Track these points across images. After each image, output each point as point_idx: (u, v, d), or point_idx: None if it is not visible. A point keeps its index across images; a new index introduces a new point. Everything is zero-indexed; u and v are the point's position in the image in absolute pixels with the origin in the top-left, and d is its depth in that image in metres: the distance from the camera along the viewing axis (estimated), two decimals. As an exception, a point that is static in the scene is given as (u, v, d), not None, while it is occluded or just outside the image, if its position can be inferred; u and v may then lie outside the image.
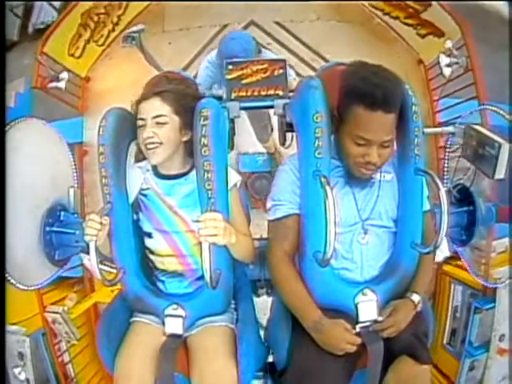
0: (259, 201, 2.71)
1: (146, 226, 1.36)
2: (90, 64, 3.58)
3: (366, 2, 3.48)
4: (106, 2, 3.42)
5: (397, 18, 3.50)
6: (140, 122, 1.30)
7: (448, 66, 2.55)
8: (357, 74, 1.16)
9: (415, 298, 1.26)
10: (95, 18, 3.54)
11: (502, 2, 3.03)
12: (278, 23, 3.34)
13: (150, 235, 1.36)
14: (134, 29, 2.46)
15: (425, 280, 1.33)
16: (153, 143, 1.27)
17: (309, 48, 3.26)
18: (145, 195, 1.35)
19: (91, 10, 3.45)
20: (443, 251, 2.13)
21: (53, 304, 2.31)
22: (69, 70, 3.20)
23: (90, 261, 1.15)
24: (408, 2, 3.30)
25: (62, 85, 2.93)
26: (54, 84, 2.90)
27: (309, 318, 1.23)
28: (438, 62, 2.59)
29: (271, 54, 2.32)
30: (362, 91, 1.12)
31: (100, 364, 2.52)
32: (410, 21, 3.43)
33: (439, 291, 2.56)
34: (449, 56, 2.54)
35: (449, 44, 2.56)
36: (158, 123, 1.27)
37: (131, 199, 1.34)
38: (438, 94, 2.84)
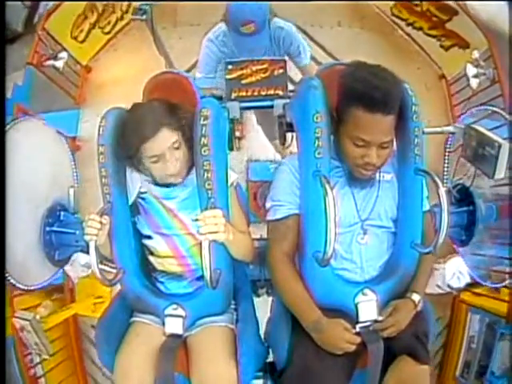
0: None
1: (145, 229, 1.35)
2: (92, 52, 3.40)
3: (388, 12, 3.40)
4: None
5: (420, 28, 3.43)
6: (153, 160, 1.22)
7: (475, 76, 2.49)
8: (355, 75, 1.16)
9: (415, 297, 1.25)
10: (104, 1, 3.36)
11: (502, 2, 3.01)
12: (298, 27, 3.28)
13: (149, 237, 1.36)
14: (147, 2, 2.33)
15: (425, 279, 1.33)
16: (174, 174, 1.25)
17: (328, 54, 3.17)
18: (143, 198, 1.35)
19: None
20: (464, 276, 2.12)
21: (25, 310, 2.05)
22: (70, 54, 3.03)
23: (90, 260, 1.15)
24: (432, 10, 3.23)
25: (59, 64, 2.75)
26: (51, 62, 2.73)
27: (308, 318, 1.22)
28: (465, 74, 2.49)
29: (280, 22, 1.95)
30: (361, 93, 1.11)
31: (78, 381, 2.43)
32: (434, 32, 3.36)
33: (455, 320, 2.48)
34: (476, 67, 2.49)
35: (476, 54, 2.51)
36: (175, 148, 1.23)
37: (130, 202, 1.33)
38: (460, 110, 2.78)
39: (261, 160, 2.76)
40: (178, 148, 1.24)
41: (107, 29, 3.50)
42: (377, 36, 3.34)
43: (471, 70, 2.47)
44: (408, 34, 3.44)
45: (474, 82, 2.51)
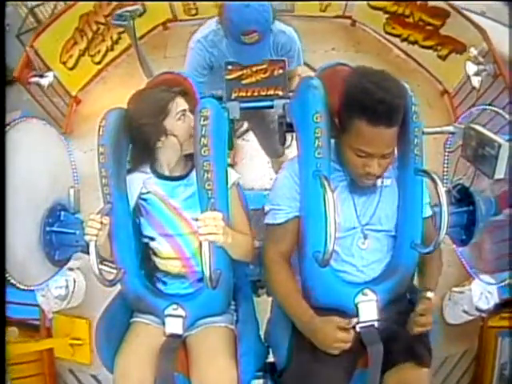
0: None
1: (148, 231, 1.35)
2: (82, 82, 3.41)
3: (381, 30, 3.43)
4: (107, 12, 3.27)
5: (415, 42, 3.43)
6: (179, 115, 1.30)
7: (476, 74, 2.45)
8: (359, 85, 1.12)
9: (430, 294, 1.24)
10: (94, 27, 3.39)
11: (501, 3, 3.02)
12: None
13: (152, 239, 1.35)
14: (129, 8, 2.18)
15: (437, 275, 1.33)
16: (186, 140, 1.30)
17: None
18: (145, 199, 1.34)
19: (91, 15, 3.32)
20: (493, 296, 2.01)
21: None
22: (59, 81, 3.07)
23: (91, 261, 1.15)
24: (425, 18, 3.24)
25: (44, 82, 2.75)
26: (36, 79, 2.74)
27: (301, 319, 1.22)
28: (466, 74, 2.47)
29: (281, 25, 1.83)
30: (364, 106, 1.09)
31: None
32: (429, 42, 3.37)
33: (484, 350, 2.33)
34: (476, 64, 2.45)
35: (474, 51, 2.48)
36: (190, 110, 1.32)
37: (131, 204, 1.33)
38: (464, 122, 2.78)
39: (255, 189, 2.68)
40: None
41: (97, 58, 3.52)
42: (373, 58, 3.32)
43: (471, 68, 2.43)
44: (404, 51, 3.45)
45: (475, 81, 2.47)
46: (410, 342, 1.22)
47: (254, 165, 2.62)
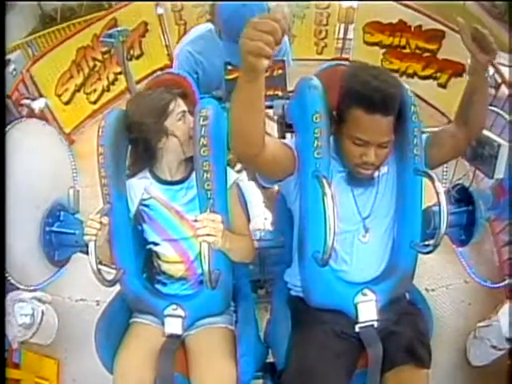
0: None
1: (152, 237, 1.35)
2: (76, 120, 3.42)
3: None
4: (104, 49, 3.30)
5: (414, 74, 3.45)
6: (179, 116, 1.30)
7: None
8: (356, 76, 1.16)
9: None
10: (91, 63, 3.42)
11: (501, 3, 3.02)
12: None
13: (156, 244, 1.35)
14: (118, 28, 2.28)
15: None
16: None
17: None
18: (147, 205, 1.34)
19: (88, 49, 3.35)
20: None
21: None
22: (53, 115, 3.09)
23: (90, 261, 1.15)
24: (421, 45, 3.28)
25: (36, 106, 2.80)
26: (28, 101, 2.79)
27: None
28: None
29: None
30: (361, 94, 1.12)
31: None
32: (428, 71, 3.38)
33: None
34: None
35: None
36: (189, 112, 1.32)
37: (133, 210, 1.33)
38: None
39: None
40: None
41: (93, 97, 3.53)
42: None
43: None
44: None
45: None
46: (410, 343, 1.22)
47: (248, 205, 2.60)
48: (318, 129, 1.20)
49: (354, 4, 3.54)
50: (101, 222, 1.16)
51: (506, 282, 1.86)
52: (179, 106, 1.30)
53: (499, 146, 1.43)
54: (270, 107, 1.63)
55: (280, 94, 1.60)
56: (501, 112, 1.68)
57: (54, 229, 1.52)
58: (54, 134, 1.67)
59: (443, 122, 3.11)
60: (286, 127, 1.54)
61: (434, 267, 2.22)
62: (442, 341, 1.86)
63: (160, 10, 3.60)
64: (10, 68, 2.77)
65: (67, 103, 3.36)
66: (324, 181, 1.13)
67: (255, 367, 1.31)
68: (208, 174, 1.24)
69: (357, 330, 1.23)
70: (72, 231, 1.52)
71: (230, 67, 1.60)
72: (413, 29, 3.38)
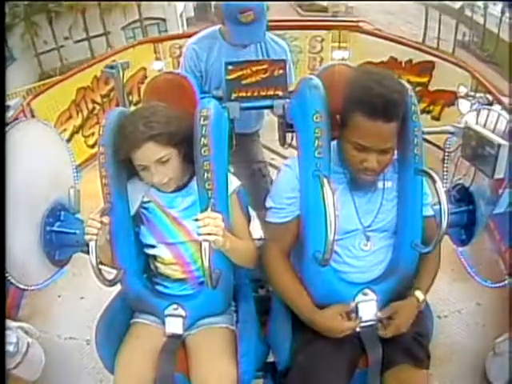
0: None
1: (148, 239, 1.35)
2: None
3: None
4: (104, 91, 3.33)
5: None
6: (140, 168, 1.23)
7: (470, 110, 2.39)
8: (359, 81, 1.15)
9: (419, 294, 1.25)
10: (90, 105, 3.42)
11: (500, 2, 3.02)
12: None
13: (153, 246, 1.35)
14: (120, 61, 2.53)
15: (430, 278, 1.32)
16: (164, 183, 1.24)
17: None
18: (146, 208, 1.34)
19: (88, 90, 3.34)
20: None
21: None
22: None
23: (90, 260, 1.14)
24: (413, 79, 3.28)
25: None
26: None
27: (304, 314, 1.24)
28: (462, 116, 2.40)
29: (274, 36, 1.96)
30: (363, 100, 1.11)
31: None
32: (421, 105, 3.29)
33: None
34: (467, 98, 2.37)
35: (464, 90, 2.44)
36: (162, 162, 1.21)
37: (132, 212, 1.33)
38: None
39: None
40: (166, 162, 1.21)
41: (91, 141, 3.50)
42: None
43: (464, 105, 2.32)
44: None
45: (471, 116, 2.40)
46: (408, 343, 1.22)
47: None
48: (319, 129, 1.20)
49: (345, 55, 3.44)
50: (101, 222, 1.16)
51: (506, 281, 1.86)
52: (139, 158, 1.20)
53: (499, 145, 1.43)
54: (271, 107, 1.63)
55: (280, 93, 1.60)
56: (501, 112, 1.67)
57: (55, 228, 1.52)
58: (54, 133, 1.67)
59: (440, 158, 3.11)
60: (286, 127, 1.54)
61: (445, 293, 2.23)
62: (461, 365, 1.88)
63: (158, 66, 3.16)
64: (9, 114, 2.81)
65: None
66: (324, 180, 1.13)
67: (256, 367, 1.31)
68: (209, 173, 1.23)
69: (357, 329, 1.23)
70: (72, 231, 1.52)
71: (230, 67, 1.60)
72: (403, 64, 3.41)
